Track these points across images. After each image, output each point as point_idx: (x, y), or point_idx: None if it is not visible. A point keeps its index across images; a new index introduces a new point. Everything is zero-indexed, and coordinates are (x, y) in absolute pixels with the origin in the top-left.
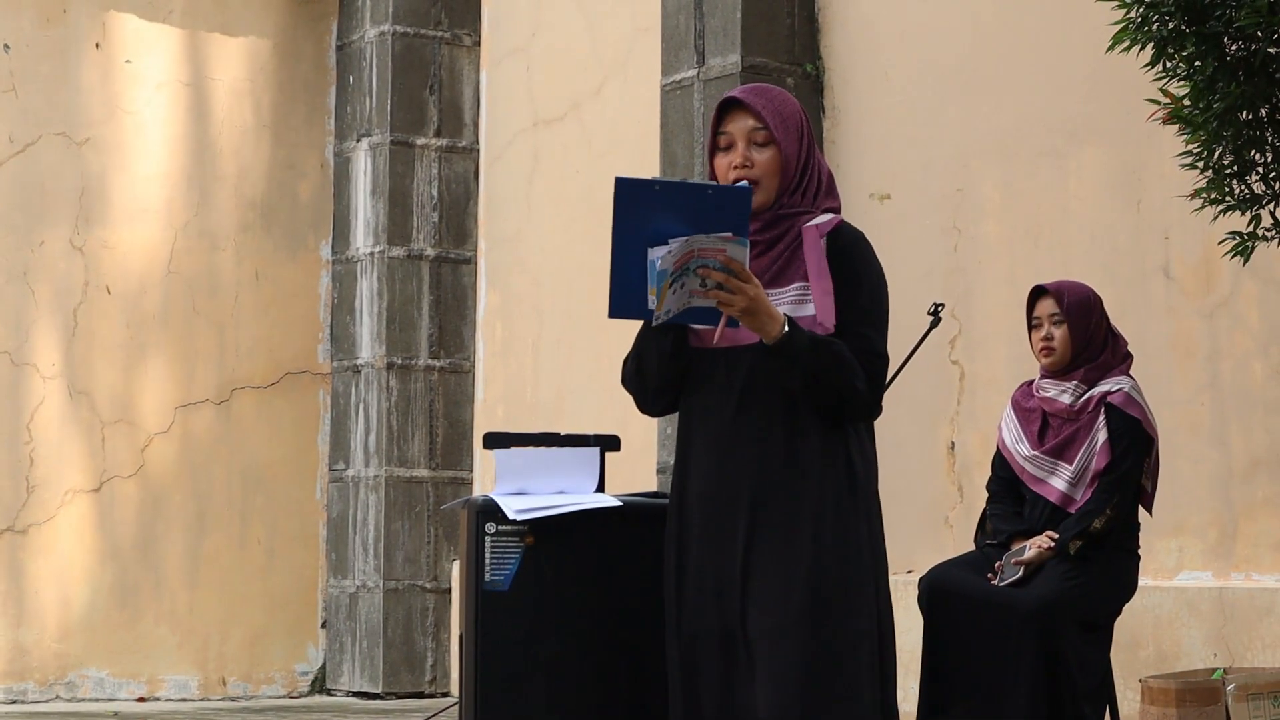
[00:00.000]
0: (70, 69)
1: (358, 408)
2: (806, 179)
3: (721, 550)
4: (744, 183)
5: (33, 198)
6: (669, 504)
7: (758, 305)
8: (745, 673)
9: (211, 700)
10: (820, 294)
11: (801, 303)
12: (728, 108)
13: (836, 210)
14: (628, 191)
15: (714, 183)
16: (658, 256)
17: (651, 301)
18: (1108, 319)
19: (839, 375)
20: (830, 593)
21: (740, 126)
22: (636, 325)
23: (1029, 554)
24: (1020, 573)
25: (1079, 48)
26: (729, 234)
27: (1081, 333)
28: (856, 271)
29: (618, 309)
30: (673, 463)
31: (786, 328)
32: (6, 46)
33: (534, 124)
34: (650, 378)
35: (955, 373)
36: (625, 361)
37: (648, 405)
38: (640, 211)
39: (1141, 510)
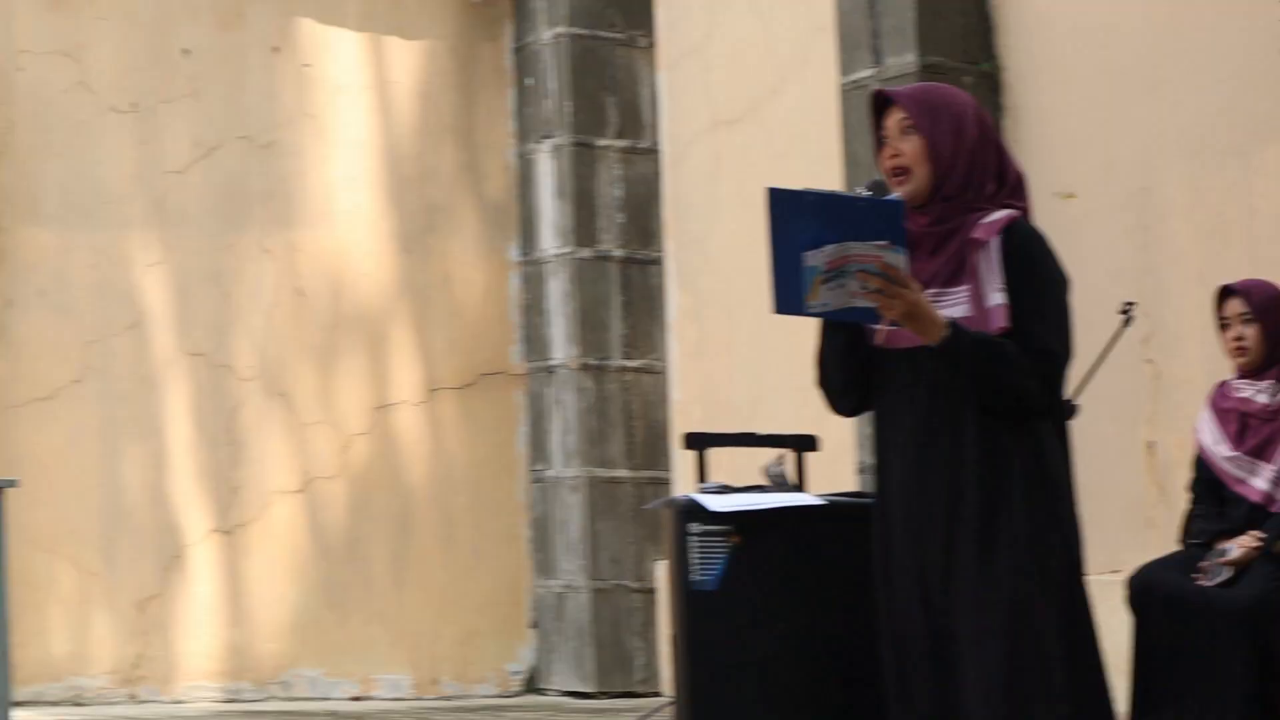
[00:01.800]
0: (250, 73)
1: (554, 409)
2: (973, 172)
3: (924, 552)
4: (895, 195)
5: (220, 201)
6: (873, 505)
7: (918, 310)
8: (954, 673)
9: (426, 699)
10: (991, 293)
11: (974, 303)
12: (882, 105)
13: (1024, 211)
14: (780, 202)
15: (866, 194)
16: (812, 259)
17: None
18: None
19: (1007, 375)
20: (1029, 591)
21: (892, 121)
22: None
23: (1235, 554)
24: (1229, 573)
25: (1262, 43)
26: (884, 242)
27: (1273, 331)
28: (1028, 268)
29: (782, 305)
30: (872, 463)
31: (948, 330)
32: (186, 51)
33: (713, 125)
34: (832, 377)
35: (1150, 372)
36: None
37: (836, 405)
38: (794, 220)
39: None
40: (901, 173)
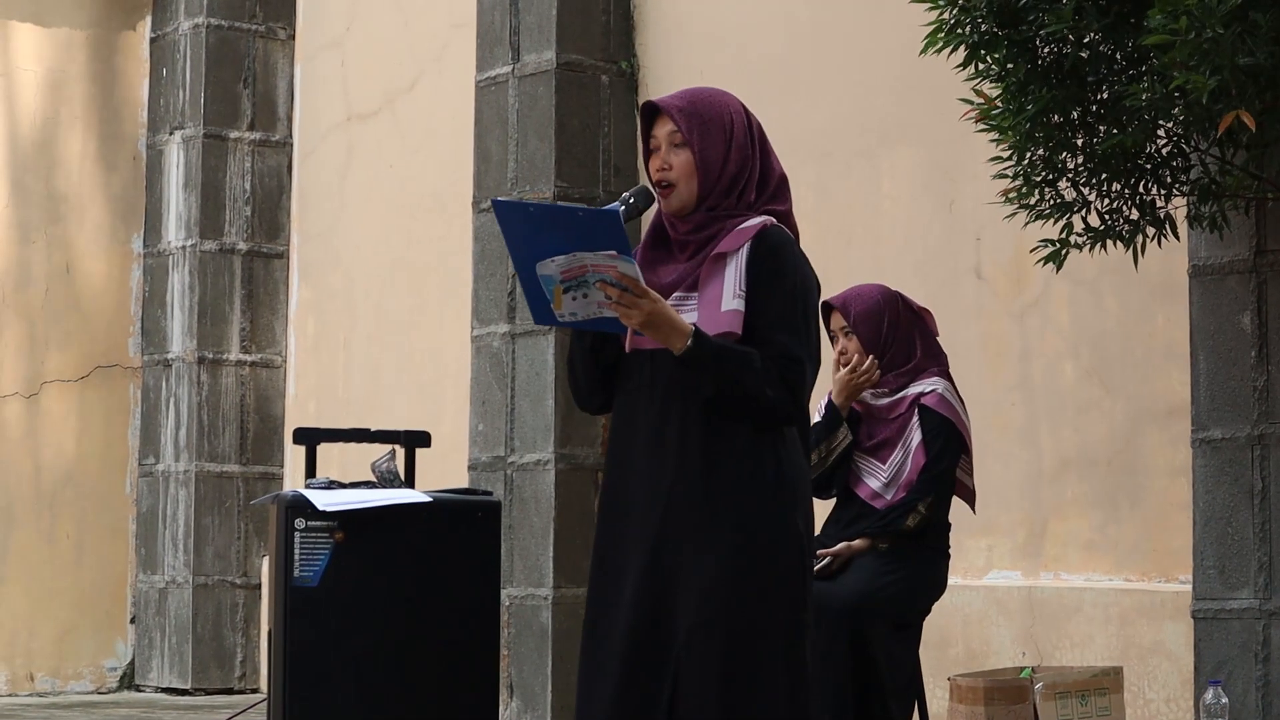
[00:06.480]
0: None
1: (168, 402)
2: (740, 182)
3: (638, 549)
4: (613, 205)
5: None
6: (601, 499)
7: (657, 318)
8: (656, 670)
9: (19, 696)
10: (729, 299)
11: (708, 308)
12: (653, 113)
13: (782, 214)
14: (506, 213)
15: (583, 206)
16: (545, 269)
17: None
18: (910, 319)
19: (750, 383)
20: (745, 592)
21: (662, 131)
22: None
23: (837, 546)
24: (827, 562)
25: (892, 48)
26: (613, 252)
27: (872, 342)
28: (775, 275)
29: (536, 316)
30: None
31: (691, 338)
32: None
33: (348, 118)
34: (579, 378)
35: None
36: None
37: (582, 403)
38: (524, 230)
39: (955, 508)
40: (668, 186)
